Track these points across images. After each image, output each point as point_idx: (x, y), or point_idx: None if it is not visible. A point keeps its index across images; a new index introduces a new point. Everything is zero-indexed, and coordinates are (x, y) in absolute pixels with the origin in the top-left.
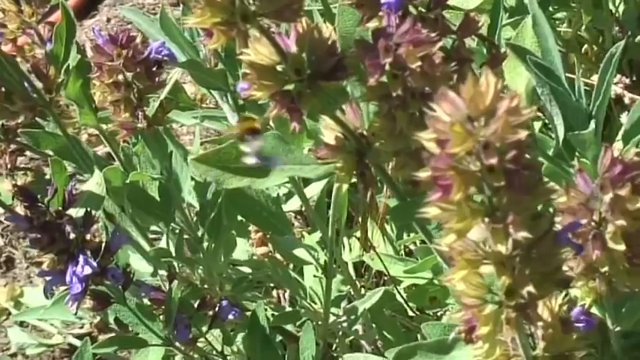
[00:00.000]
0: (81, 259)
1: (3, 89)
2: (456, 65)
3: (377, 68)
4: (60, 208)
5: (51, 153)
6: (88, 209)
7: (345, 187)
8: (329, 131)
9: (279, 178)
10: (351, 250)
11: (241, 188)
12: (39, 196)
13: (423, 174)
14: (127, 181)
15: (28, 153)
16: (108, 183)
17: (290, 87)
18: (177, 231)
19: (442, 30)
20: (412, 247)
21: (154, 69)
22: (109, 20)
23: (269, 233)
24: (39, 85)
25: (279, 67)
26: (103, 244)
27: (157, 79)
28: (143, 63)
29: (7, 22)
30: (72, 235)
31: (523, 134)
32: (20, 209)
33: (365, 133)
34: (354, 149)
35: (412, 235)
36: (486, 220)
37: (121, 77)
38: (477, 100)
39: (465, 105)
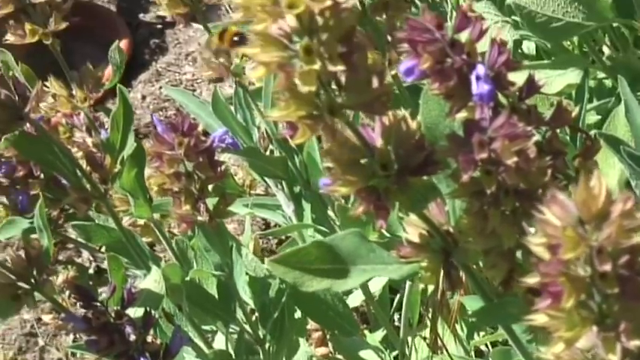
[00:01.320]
0: None
1: (42, 176)
2: (550, 159)
3: (471, 164)
4: (119, 308)
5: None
6: (147, 309)
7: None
8: (412, 228)
9: (360, 280)
10: (416, 350)
11: None
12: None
13: (532, 280)
14: (187, 279)
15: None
16: (166, 280)
17: (376, 182)
18: (237, 331)
19: (535, 121)
20: (483, 347)
21: (216, 159)
22: (144, 98)
23: (333, 333)
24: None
25: (363, 161)
26: (163, 347)
27: (219, 169)
28: (205, 152)
29: (58, 107)
30: (132, 337)
31: (638, 239)
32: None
33: (451, 230)
34: (440, 248)
35: (484, 335)
36: (596, 328)
37: (181, 167)
38: (589, 202)
39: (577, 208)
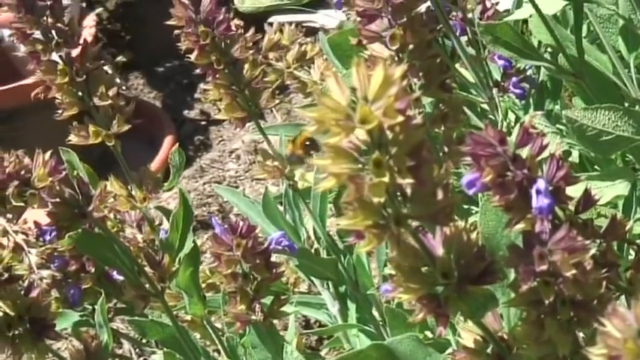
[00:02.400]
0: None
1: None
2: (605, 271)
3: (531, 275)
4: None
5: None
6: None
7: None
8: (467, 334)
9: None
10: None
11: None
12: None
13: None
14: None
15: None
16: None
17: (437, 290)
18: None
19: (592, 235)
20: None
21: (272, 260)
22: (188, 192)
23: None
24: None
25: (424, 270)
26: None
27: (275, 270)
28: (263, 254)
29: (117, 207)
30: None
31: None
32: None
33: (505, 336)
34: (494, 353)
35: None
36: None
37: (239, 268)
38: None
39: (637, 321)
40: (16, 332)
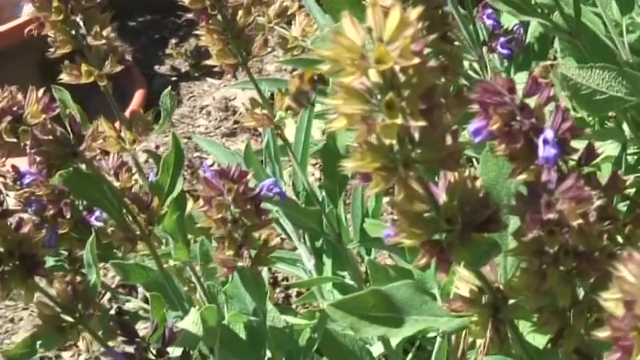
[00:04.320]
0: None
1: (69, 215)
2: (607, 225)
3: (537, 223)
4: (161, 346)
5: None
6: (186, 349)
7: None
8: (463, 283)
9: (413, 329)
10: None
11: (335, 336)
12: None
13: (603, 334)
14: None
15: None
16: (203, 322)
17: (440, 236)
18: None
19: (595, 187)
20: None
21: (262, 207)
22: (157, 147)
23: None
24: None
25: (427, 215)
26: None
27: (264, 217)
28: (253, 200)
29: (106, 148)
30: None
31: None
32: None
33: (501, 287)
34: (490, 303)
35: None
36: None
37: (229, 213)
38: None
39: None
40: (6, 268)
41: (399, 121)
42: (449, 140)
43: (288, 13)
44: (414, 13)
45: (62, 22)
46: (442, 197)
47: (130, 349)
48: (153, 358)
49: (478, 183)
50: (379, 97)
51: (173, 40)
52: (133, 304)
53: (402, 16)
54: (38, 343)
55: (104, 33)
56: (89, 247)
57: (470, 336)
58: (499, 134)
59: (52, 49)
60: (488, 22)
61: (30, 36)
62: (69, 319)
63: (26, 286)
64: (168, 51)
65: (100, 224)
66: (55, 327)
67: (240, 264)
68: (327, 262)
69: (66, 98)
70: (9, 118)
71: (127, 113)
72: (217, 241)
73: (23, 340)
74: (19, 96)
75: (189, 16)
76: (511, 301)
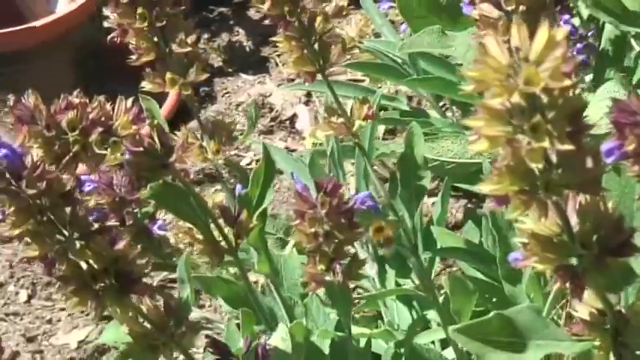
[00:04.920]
0: None
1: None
2: None
3: None
4: None
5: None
6: None
7: None
8: (582, 306)
9: (536, 355)
10: None
11: (421, 353)
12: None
13: None
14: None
15: None
16: (291, 338)
17: (573, 261)
18: None
19: None
20: None
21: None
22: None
23: None
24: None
25: (559, 239)
26: None
27: (357, 230)
28: (347, 213)
29: (188, 158)
30: None
31: None
32: None
33: (623, 310)
34: (612, 327)
35: None
36: None
37: (321, 227)
38: None
39: None
40: (101, 286)
41: (546, 144)
42: (589, 163)
43: (344, 12)
44: (561, 33)
45: (147, 30)
46: (573, 220)
47: None
48: None
49: (610, 205)
50: (521, 119)
51: (205, 35)
52: (195, 314)
53: (549, 35)
54: None
55: (188, 40)
56: (183, 262)
57: None
58: (633, 155)
59: (134, 56)
60: (566, 27)
61: (66, 32)
62: (161, 337)
63: (122, 304)
64: (200, 46)
65: (162, 233)
66: (146, 345)
67: (328, 278)
68: (390, 271)
69: (153, 108)
70: (100, 129)
71: (165, 110)
72: (308, 255)
73: (114, 358)
74: (108, 106)
75: (222, 9)
76: (633, 325)
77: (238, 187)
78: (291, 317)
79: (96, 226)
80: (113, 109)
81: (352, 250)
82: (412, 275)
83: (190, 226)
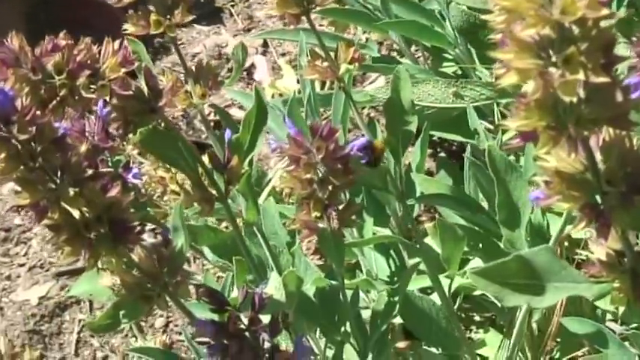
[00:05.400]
0: None
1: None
2: None
3: None
4: (253, 314)
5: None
6: (275, 315)
7: None
8: (599, 247)
9: (555, 298)
10: None
11: (414, 300)
12: None
13: None
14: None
15: None
16: (284, 287)
17: (597, 199)
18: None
19: None
20: None
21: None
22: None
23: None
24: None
25: (583, 177)
26: None
27: (351, 176)
28: (343, 159)
29: (176, 102)
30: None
31: None
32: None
33: None
34: (630, 268)
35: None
36: None
37: (316, 173)
38: None
39: None
40: (94, 234)
41: (581, 76)
42: (619, 97)
43: None
44: None
45: None
46: (597, 157)
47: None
48: (244, 327)
49: (636, 141)
50: (553, 51)
51: None
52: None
53: None
54: (122, 313)
55: None
56: (177, 210)
57: (611, 303)
58: None
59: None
60: None
61: None
62: (155, 287)
63: (116, 253)
64: None
65: (137, 181)
66: (139, 296)
67: (321, 225)
68: (368, 219)
69: (140, 50)
70: (87, 72)
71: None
72: (301, 202)
73: (106, 310)
74: (95, 49)
75: None
76: None
77: (227, 132)
78: (278, 266)
79: (89, 172)
80: (99, 51)
81: None
82: (390, 224)
83: (164, 175)
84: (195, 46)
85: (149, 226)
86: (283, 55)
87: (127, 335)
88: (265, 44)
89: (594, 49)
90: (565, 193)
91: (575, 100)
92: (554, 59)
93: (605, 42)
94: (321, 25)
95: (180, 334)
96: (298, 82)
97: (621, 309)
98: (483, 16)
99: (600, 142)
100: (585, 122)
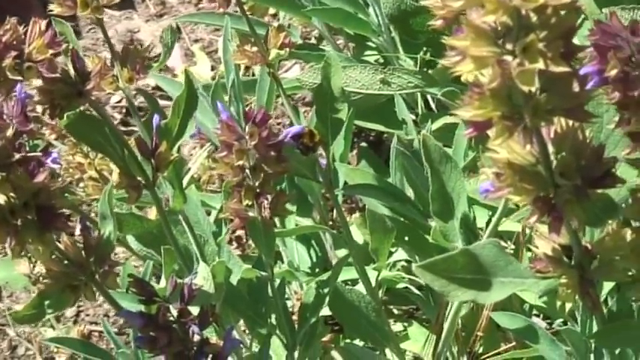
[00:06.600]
0: None
1: None
2: None
3: None
4: (183, 306)
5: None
6: (204, 306)
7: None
8: (543, 241)
9: (501, 293)
10: None
11: (343, 292)
12: None
13: None
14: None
15: None
16: (213, 278)
17: (552, 192)
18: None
19: None
20: None
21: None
22: None
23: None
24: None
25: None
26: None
27: (284, 164)
28: (276, 146)
29: (104, 86)
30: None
31: None
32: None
33: (589, 246)
34: (578, 264)
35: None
36: None
37: (248, 160)
38: None
39: None
40: (21, 221)
41: (540, 65)
42: (576, 87)
43: None
44: None
45: None
46: (549, 149)
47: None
48: (173, 319)
49: (588, 134)
50: (511, 39)
51: None
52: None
53: None
54: (46, 303)
55: None
56: (106, 197)
57: (558, 299)
58: (614, 81)
59: None
60: None
61: None
62: (82, 276)
63: (43, 240)
64: None
65: (56, 166)
66: (66, 285)
67: (252, 214)
68: (292, 208)
69: (67, 32)
70: (13, 53)
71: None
72: (232, 190)
73: (31, 300)
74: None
75: None
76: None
77: (156, 117)
78: (203, 256)
79: (17, 156)
80: (26, 32)
81: None
82: (313, 214)
83: (82, 160)
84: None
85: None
86: (196, 41)
87: (36, 325)
88: (178, 30)
89: (554, 38)
90: (517, 186)
91: (534, 89)
92: (511, 47)
93: (565, 30)
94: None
95: (93, 323)
96: (212, 69)
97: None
98: (420, 2)
99: (552, 133)
100: (542, 113)
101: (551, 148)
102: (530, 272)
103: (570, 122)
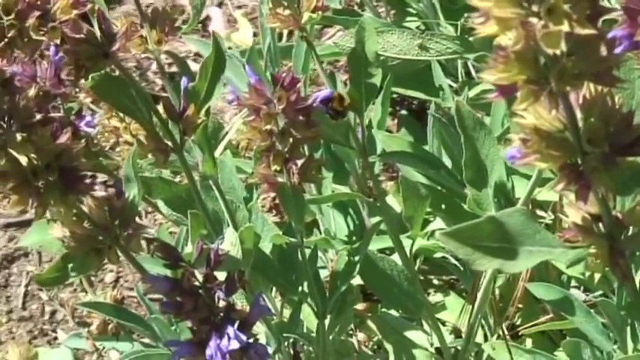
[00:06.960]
0: (230, 331)
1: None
2: None
3: None
4: (209, 271)
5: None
6: (231, 272)
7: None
8: (574, 210)
9: (528, 262)
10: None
11: (375, 261)
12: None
13: None
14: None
15: None
16: (241, 244)
17: (580, 159)
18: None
19: None
20: None
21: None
22: None
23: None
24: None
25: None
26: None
27: (314, 129)
28: (305, 111)
29: (131, 47)
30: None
31: None
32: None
33: (619, 216)
34: (608, 233)
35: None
36: None
37: (276, 124)
38: None
39: None
40: (43, 183)
41: (565, 27)
42: (604, 51)
43: None
44: None
45: None
46: (577, 115)
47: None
48: (199, 284)
49: (618, 100)
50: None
51: None
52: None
53: None
54: (70, 266)
55: None
56: (130, 160)
57: (587, 269)
58: None
59: None
60: None
61: None
62: (105, 239)
63: (65, 202)
64: None
65: (90, 130)
66: (90, 249)
67: (281, 180)
68: (328, 176)
69: None
70: (37, 13)
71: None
72: (261, 155)
73: (54, 263)
74: None
75: None
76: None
77: (184, 80)
78: (234, 222)
79: (38, 117)
80: None
81: None
82: (350, 181)
83: (117, 124)
84: None
85: (100, 177)
86: (239, 7)
87: (75, 290)
88: None
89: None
90: (543, 152)
91: (558, 52)
92: (536, 9)
93: None
94: None
95: (131, 289)
96: (255, 35)
97: (588, 275)
98: None
99: (580, 99)
100: (568, 77)
101: (579, 114)
102: (558, 241)
103: (600, 88)
